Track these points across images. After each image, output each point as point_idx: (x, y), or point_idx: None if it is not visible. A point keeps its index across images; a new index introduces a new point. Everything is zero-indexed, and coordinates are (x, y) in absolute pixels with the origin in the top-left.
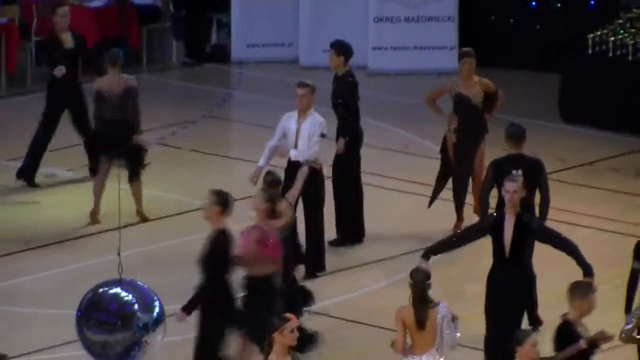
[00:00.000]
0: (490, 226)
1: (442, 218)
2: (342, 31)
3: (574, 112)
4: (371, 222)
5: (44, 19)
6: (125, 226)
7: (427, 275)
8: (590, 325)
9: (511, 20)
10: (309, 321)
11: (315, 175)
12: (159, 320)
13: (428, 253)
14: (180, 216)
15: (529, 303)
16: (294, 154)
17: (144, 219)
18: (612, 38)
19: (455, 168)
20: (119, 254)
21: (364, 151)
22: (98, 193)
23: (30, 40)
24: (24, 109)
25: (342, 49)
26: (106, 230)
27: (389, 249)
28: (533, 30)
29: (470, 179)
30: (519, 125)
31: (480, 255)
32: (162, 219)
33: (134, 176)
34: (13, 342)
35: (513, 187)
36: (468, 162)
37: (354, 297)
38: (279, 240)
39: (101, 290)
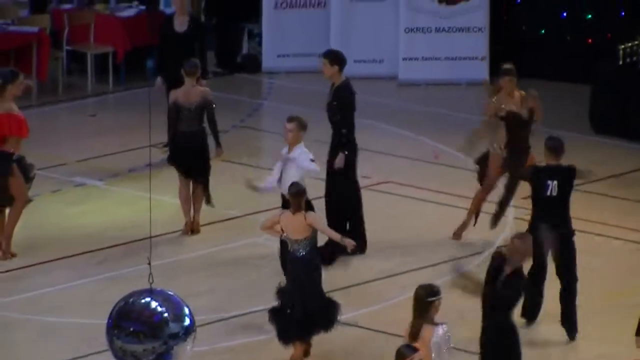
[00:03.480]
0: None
1: (473, 228)
2: (372, 41)
3: (604, 123)
4: (400, 232)
5: (75, 27)
6: (154, 236)
7: (430, 293)
8: (617, 336)
9: (542, 30)
10: (339, 332)
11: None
12: (189, 330)
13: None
14: (210, 226)
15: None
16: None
17: (195, 229)
18: None
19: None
20: (149, 263)
21: (393, 161)
22: (184, 205)
23: (62, 49)
24: (56, 118)
25: (335, 57)
26: (135, 240)
27: (418, 259)
28: (564, 40)
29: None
30: (557, 138)
31: None
32: None
33: (199, 188)
34: (41, 352)
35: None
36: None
37: (382, 307)
38: None
39: (132, 299)
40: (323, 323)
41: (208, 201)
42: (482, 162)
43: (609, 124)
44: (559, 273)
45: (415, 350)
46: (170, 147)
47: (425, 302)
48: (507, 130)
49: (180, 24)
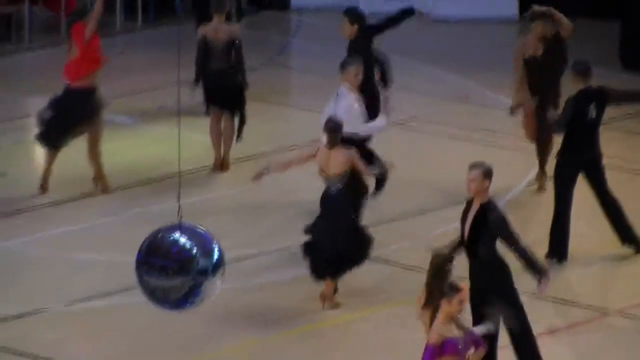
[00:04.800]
0: (464, 209)
1: (502, 168)
2: None
3: (634, 60)
4: (426, 169)
5: None
6: (183, 173)
7: (447, 259)
8: None
9: None
10: (369, 269)
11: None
12: (218, 265)
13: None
14: (239, 164)
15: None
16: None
17: (224, 166)
18: None
19: (542, 132)
20: (178, 200)
21: (420, 98)
22: (215, 141)
23: None
24: None
25: (355, 16)
26: (164, 178)
27: (444, 196)
28: None
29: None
30: (584, 61)
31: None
32: None
33: (230, 124)
34: (72, 289)
35: (469, 175)
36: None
37: (412, 244)
38: None
39: (161, 235)
40: (354, 259)
41: (239, 136)
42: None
43: (639, 60)
44: (598, 196)
45: (459, 290)
46: (203, 89)
47: (444, 269)
48: (529, 77)
49: None
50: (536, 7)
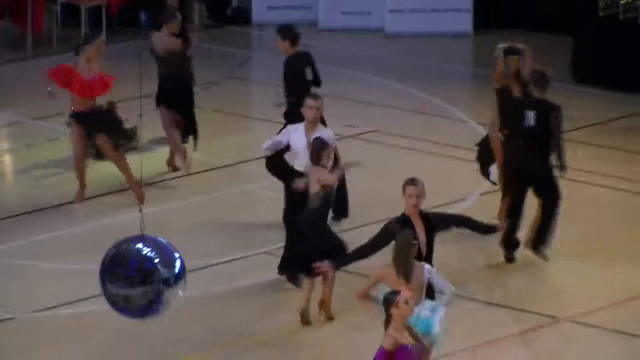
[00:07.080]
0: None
1: (458, 178)
2: None
3: (585, 73)
4: (386, 182)
5: None
6: (146, 184)
7: (415, 237)
8: (597, 277)
9: None
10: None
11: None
12: (180, 275)
13: (338, 265)
14: (200, 175)
15: None
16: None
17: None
18: (623, 1)
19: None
20: (140, 210)
21: (379, 111)
22: (173, 134)
23: (56, 3)
24: None
25: (285, 33)
26: (128, 188)
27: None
28: None
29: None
30: (540, 72)
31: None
32: (182, 177)
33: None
34: (38, 297)
35: (415, 191)
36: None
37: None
38: None
39: (124, 245)
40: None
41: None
42: (483, 144)
43: (590, 74)
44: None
45: (398, 293)
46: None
47: (412, 243)
48: (499, 110)
49: None
50: (510, 44)
